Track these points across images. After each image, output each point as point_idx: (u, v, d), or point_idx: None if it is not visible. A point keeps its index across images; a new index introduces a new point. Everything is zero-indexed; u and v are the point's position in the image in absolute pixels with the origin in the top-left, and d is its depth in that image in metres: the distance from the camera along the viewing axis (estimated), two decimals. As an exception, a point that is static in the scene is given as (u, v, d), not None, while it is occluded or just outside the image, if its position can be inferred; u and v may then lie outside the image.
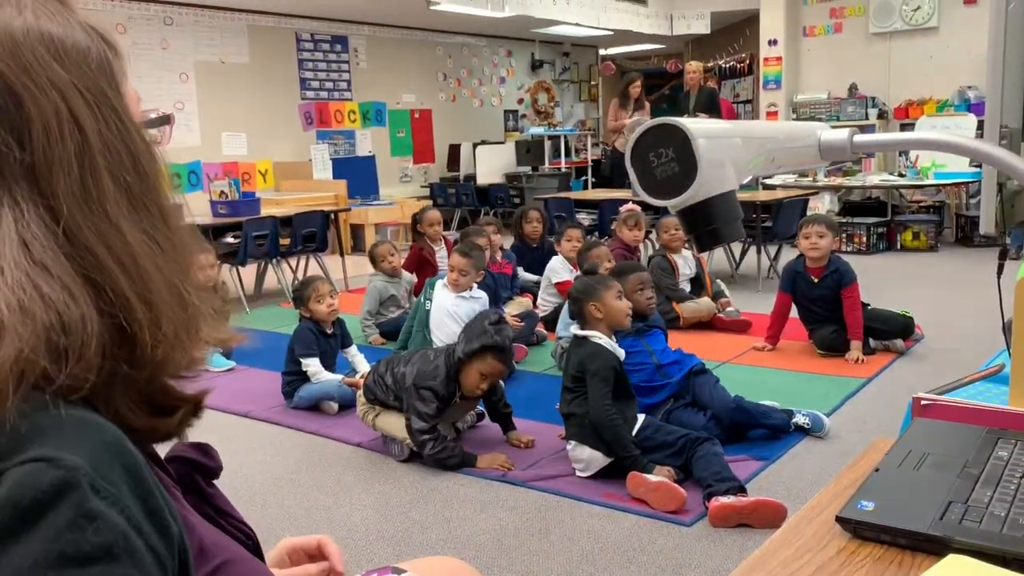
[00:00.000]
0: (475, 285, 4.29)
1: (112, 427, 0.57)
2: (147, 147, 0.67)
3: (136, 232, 0.63)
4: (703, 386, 3.28)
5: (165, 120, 0.78)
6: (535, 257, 5.86)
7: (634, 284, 3.42)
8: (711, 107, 8.68)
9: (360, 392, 3.37)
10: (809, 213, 5.75)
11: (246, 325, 5.52)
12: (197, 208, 6.86)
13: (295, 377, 3.87)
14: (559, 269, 4.99)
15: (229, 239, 6.07)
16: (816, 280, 4.30)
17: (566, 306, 4.45)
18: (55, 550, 0.50)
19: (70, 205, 0.60)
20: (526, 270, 5.80)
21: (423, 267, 5.53)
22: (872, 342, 4.31)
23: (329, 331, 4.01)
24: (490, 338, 3.05)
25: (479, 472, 3.02)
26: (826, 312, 4.31)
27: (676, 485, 2.67)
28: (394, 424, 3.18)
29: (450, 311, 4.14)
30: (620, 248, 5.20)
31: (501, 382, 3.34)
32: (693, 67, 8.95)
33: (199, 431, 0.97)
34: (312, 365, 3.85)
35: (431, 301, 4.20)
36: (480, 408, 3.45)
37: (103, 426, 0.57)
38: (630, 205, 5.55)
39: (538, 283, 5.30)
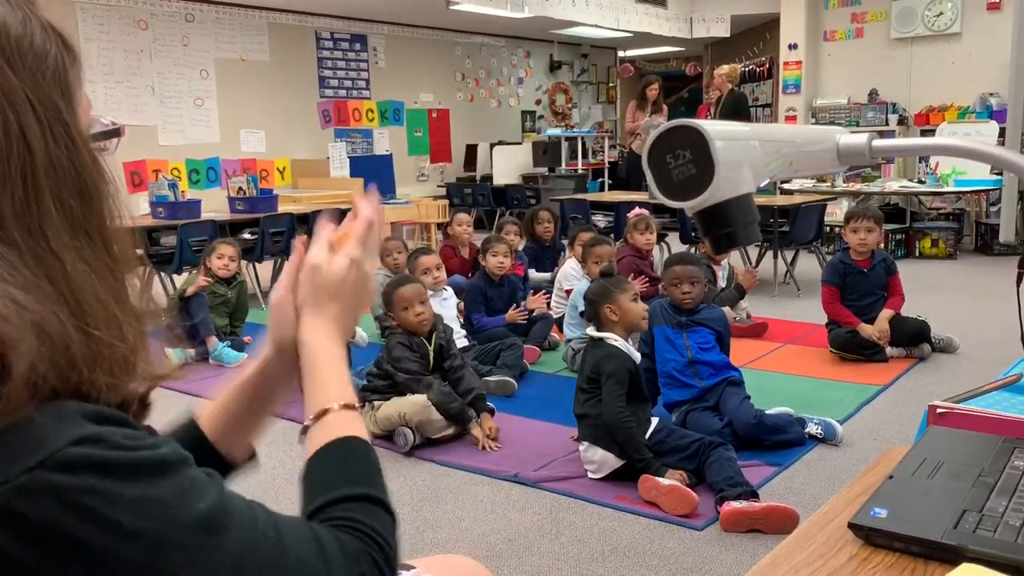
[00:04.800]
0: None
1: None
2: (95, 166, 0.63)
3: (77, 261, 0.60)
4: (731, 396, 3.26)
5: (115, 133, 0.75)
6: (550, 256, 5.88)
7: (668, 279, 3.47)
8: (735, 112, 8.54)
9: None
10: (856, 206, 5.65)
11: (261, 321, 5.54)
12: (215, 204, 6.91)
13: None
14: (570, 275, 4.98)
15: (246, 235, 6.11)
16: (867, 271, 4.36)
17: (568, 309, 4.47)
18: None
19: (12, 227, 0.57)
20: (540, 269, 5.80)
21: (448, 263, 5.58)
22: (890, 350, 4.29)
23: None
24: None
25: (490, 471, 3.03)
26: (872, 304, 4.34)
27: (688, 489, 2.66)
28: (390, 409, 3.27)
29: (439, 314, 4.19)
30: (631, 254, 5.16)
31: (452, 340, 3.59)
32: (720, 71, 8.83)
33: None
34: None
35: None
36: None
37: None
38: (638, 210, 5.51)
39: (551, 283, 5.29)
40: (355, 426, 0.81)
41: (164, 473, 0.58)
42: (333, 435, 0.79)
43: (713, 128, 0.66)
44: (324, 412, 0.81)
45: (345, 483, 0.76)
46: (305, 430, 0.82)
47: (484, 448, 3.23)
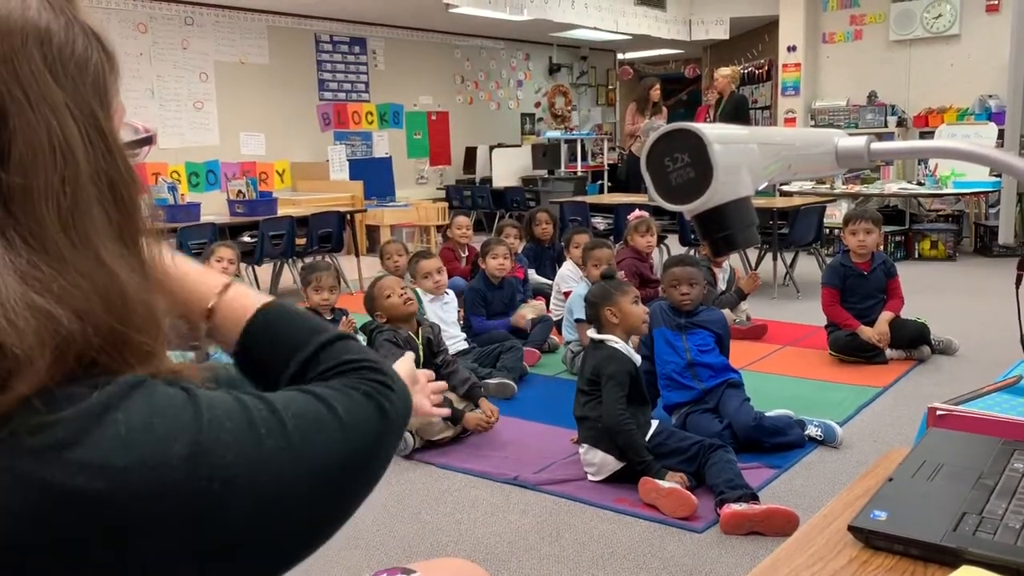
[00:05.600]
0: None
1: None
2: (130, 175, 0.62)
3: (123, 267, 0.59)
4: (730, 398, 3.26)
5: (148, 140, 0.74)
6: (550, 256, 5.89)
7: (667, 280, 3.47)
8: (736, 115, 8.54)
9: None
10: (855, 208, 5.62)
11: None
12: (214, 207, 6.91)
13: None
14: (568, 277, 4.98)
15: (246, 238, 6.11)
16: (867, 273, 4.35)
17: (565, 311, 4.48)
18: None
19: (55, 237, 0.56)
20: (541, 271, 5.80)
21: (447, 265, 5.58)
22: (889, 352, 4.29)
23: (328, 317, 4.09)
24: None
25: (490, 474, 3.03)
26: (872, 306, 4.33)
27: (687, 492, 2.66)
28: None
29: (441, 318, 4.19)
30: (632, 256, 5.16)
31: (438, 335, 3.61)
32: (721, 73, 8.83)
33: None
34: None
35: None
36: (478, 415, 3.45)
37: None
38: (638, 212, 5.51)
39: (551, 286, 5.29)
40: (253, 296, 0.79)
41: (131, 397, 0.56)
42: (240, 318, 0.77)
43: (712, 131, 0.66)
44: (210, 312, 0.78)
45: (289, 350, 0.74)
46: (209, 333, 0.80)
47: (478, 428, 3.30)
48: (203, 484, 0.56)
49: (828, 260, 5.30)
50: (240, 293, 0.80)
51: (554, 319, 4.90)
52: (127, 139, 0.66)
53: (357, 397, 0.68)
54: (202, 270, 0.82)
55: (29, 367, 0.53)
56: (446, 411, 1.24)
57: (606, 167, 11.51)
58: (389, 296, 3.40)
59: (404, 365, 1.07)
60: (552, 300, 5.12)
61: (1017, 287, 1.33)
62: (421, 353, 3.44)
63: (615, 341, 2.97)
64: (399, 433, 0.72)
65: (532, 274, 5.71)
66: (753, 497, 2.62)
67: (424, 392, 1.08)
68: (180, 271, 0.81)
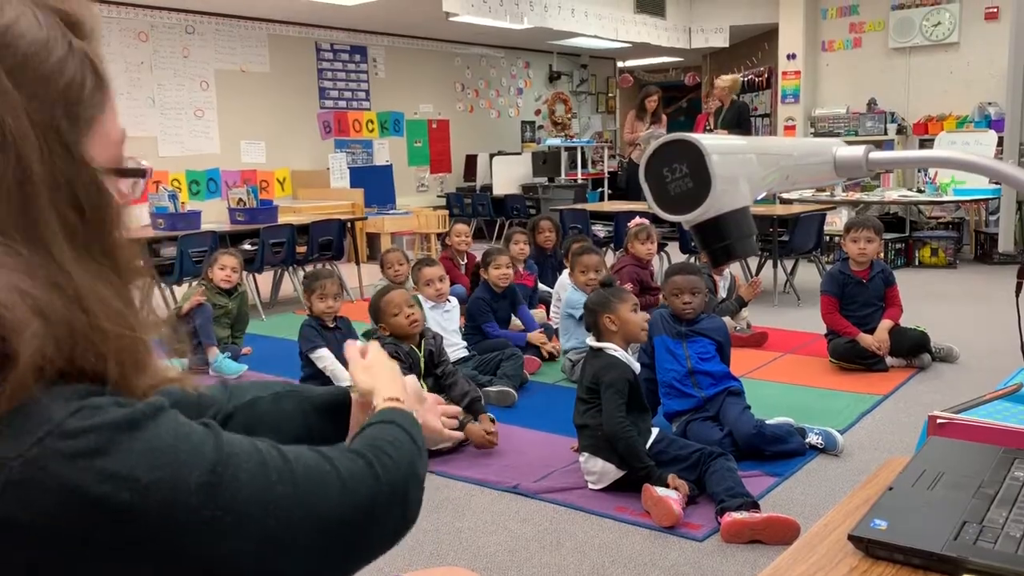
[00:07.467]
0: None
1: None
2: (96, 188, 0.64)
3: (82, 274, 0.61)
4: (731, 406, 3.26)
5: (140, 173, 0.75)
6: (551, 264, 5.90)
7: (669, 289, 3.46)
8: (738, 123, 8.53)
9: None
10: (856, 216, 5.65)
11: (262, 332, 5.54)
12: (215, 215, 6.92)
13: (312, 382, 3.88)
14: (567, 284, 4.97)
15: (246, 246, 6.11)
16: (865, 281, 4.35)
17: (562, 319, 4.48)
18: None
19: (15, 237, 0.59)
20: (542, 278, 5.80)
21: (447, 273, 5.58)
22: (890, 359, 4.29)
23: (331, 325, 4.09)
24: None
25: (491, 482, 3.02)
26: (871, 314, 4.33)
27: (674, 504, 2.64)
28: None
29: (442, 325, 4.19)
30: (632, 263, 5.16)
31: (441, 347, 3.59)
32: (721, 81, 8.82)
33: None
34: (324, 356, 3.91)
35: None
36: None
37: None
38: (639, 220, 5.52)
39: (552, 293, 5.29)
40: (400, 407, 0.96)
41: (157, 419, 0.60)
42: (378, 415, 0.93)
43: (710, 142, 0.67)
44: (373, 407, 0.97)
45: (368, 426, 0.86)
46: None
47: (482, 446, 3.24)
48: (218, 514, 0.60)
49: (828, 267, 5.30)
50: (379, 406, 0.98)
51: (555, 326, 4.89)
52: (117, 167, 0.68)
53: (359, 462, 0.74)
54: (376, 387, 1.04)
55: (20, 335, 0.55)
56: (459, 435, 1.31)
57: (606, 174, 11.53)
58: (396, 315, 3.41)
59: (411, 384, 1.11)
60: (552, 307, 5.11)
61: (1017, 294, 1.33)
62: (422, 365, 3.43)
63: (614, 349, 2.97)
64: (396, 502, 0.77)
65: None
66: (754, 505, 2.61)
67: (434, 411, 1.14)
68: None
